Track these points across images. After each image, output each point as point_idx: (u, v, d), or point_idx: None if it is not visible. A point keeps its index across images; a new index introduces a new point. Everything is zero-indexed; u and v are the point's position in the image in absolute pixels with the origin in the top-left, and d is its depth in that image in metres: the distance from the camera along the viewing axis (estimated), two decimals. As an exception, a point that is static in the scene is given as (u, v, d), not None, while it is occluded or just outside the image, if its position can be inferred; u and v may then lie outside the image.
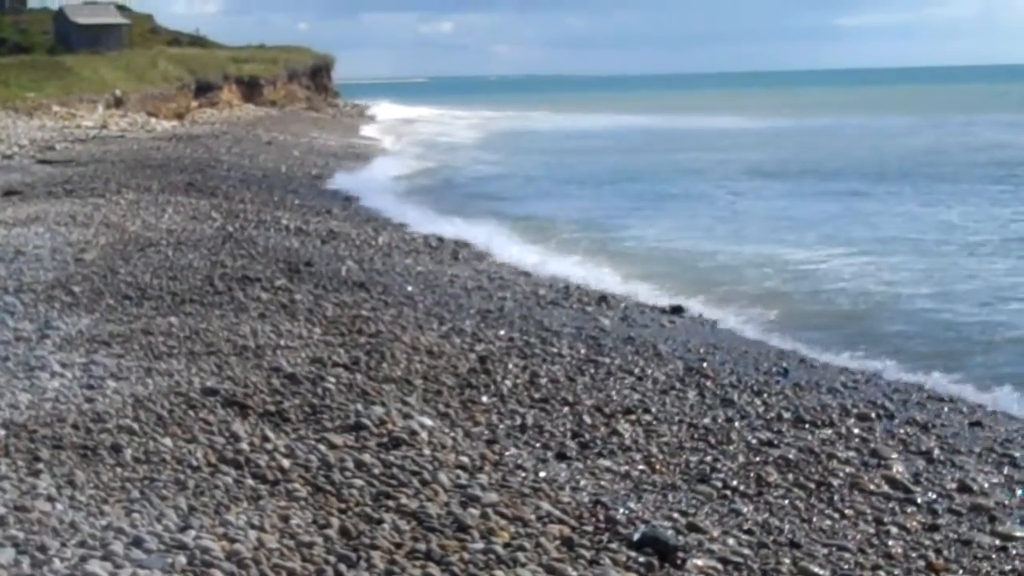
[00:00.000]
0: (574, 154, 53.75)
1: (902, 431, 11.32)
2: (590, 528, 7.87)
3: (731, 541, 8.01)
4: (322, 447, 8.84)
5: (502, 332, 14.11)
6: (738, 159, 48.17)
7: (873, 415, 11.77)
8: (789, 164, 45.05)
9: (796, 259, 22.79)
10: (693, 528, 8.15)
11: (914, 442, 10.99)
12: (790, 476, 9.70)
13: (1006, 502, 9.50)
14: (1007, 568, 8.14)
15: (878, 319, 17.10)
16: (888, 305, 18.24)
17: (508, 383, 11.64)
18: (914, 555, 8.25)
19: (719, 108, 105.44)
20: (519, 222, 28.26)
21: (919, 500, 9.41)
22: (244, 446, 8.69)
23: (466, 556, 7.09)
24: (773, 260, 22.57)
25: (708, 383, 12.61)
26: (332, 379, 10.78)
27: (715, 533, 8.13)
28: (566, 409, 11.00)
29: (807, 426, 11.25)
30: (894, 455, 10.48)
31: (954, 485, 9.81)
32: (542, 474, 8.95)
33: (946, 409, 12.33)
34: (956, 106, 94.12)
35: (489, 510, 7.87)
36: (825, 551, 8.10)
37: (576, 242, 25.05)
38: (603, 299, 17.71)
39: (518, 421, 10.43)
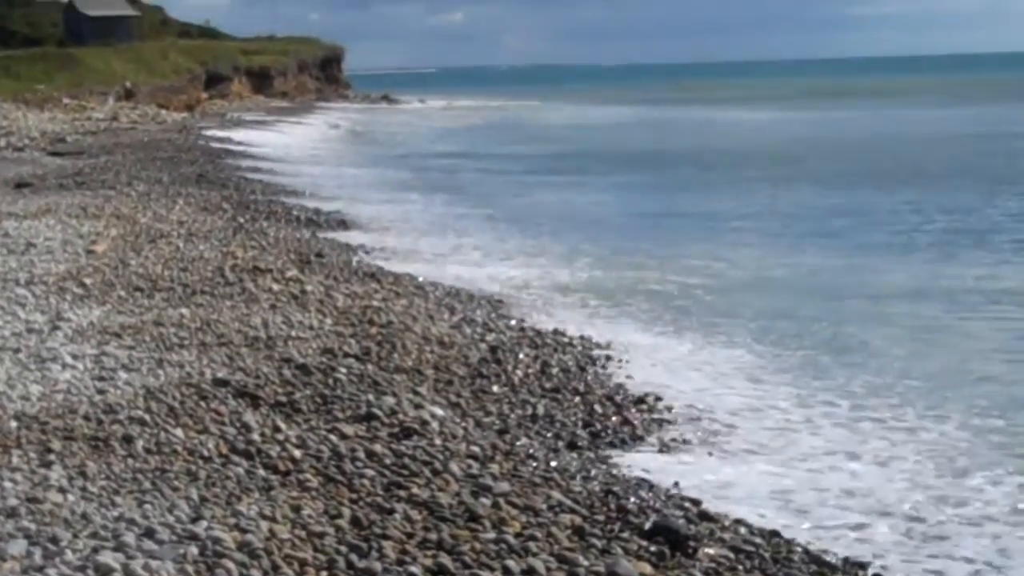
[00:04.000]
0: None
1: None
2: (602, 517, 7.87)
3: (742, 530, 8.00)
4: (333, 437, 8.84)
5: (513, 322, 14.09)
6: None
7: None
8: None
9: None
10: (704, 517, 8.14)
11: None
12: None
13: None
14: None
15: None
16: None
17: (519, 373, 11.63)
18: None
19: (731, 99, 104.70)
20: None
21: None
22: (255, 437, 8.70)
23: (478, 546, 7.09)
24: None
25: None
26: (343, 369, 10.79)
27: (726, 522, 8.11)
28: (577, 399, 10.99)
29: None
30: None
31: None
32: (553, 464, 8.95)
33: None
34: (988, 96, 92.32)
35: (501, 500, 7.88)
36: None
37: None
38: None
39: (529, 411, 10.43)
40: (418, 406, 9.89)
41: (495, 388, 11.04)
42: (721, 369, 12.56)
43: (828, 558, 7.63)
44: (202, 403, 9.45)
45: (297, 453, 8.41)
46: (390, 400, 9.93)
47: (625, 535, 7.57)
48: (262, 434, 8.79)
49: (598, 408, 10.74)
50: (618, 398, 11.10)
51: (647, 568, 7.10)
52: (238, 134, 50.38)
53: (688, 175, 37.00)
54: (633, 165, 40.75)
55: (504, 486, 8.16)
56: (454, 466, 8.45)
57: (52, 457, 7.97)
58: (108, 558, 6.38)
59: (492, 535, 7.28)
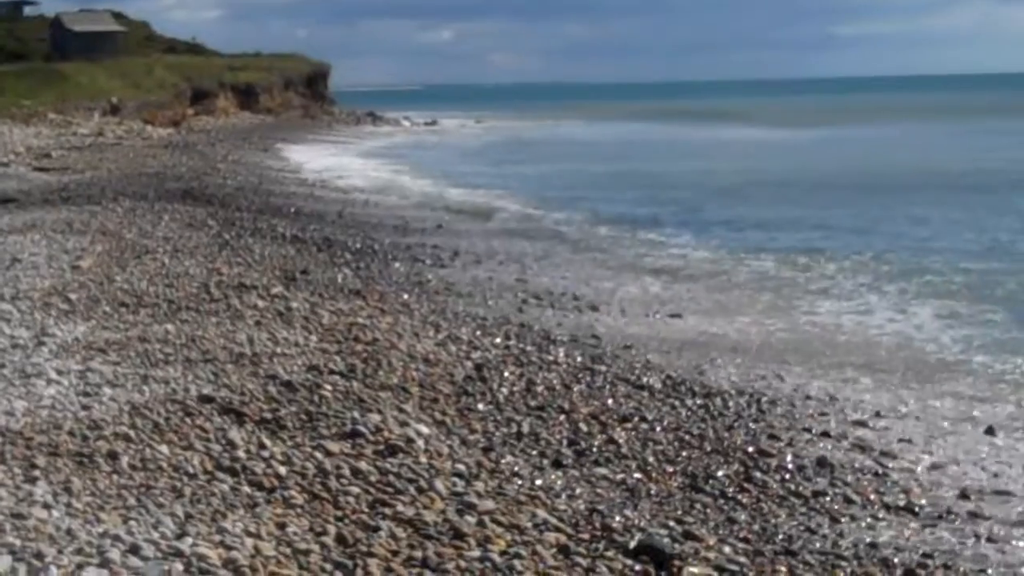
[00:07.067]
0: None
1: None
2: (586, 536, 7.87)
3: (727, 549, 8.02)
4: (318, 455, 8.84)
5: (498, 340, 14.11)
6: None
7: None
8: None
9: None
10: (689, 536, 8.15)
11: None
12: (788, 484, 9.72)
13: None
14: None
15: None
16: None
17: (504, 391, 11.64)
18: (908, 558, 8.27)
19: (717, 116, 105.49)
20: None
21: (917, 510, 9.44)
22: (240, 454, 8.69)
23: (463, 564, 7.10)
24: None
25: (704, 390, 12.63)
26: (328, 387, 10.78)
27: (711, 541, 8.13)
28: (562, 417, 11.00)
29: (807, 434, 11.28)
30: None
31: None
32: (538, 482, 8.96)
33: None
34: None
35: (486, 518, 7.88)
36: (821, 559, 8.11)
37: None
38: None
39: (514, 429, 10.44)
40: (403, 423, 9.89)
41: (480, 406, 11.05)
42: None
43: (812, 577, 7.66)
44: (187, 419, 9.43)
45: (282, 470, 8.41)
46: (375, 417, 9.93)
47: (610, 554, 7.58)
48: (247, 451, 8.78)
49: (583, 426, 10.75)
50: (603, 416, 11.11)
51: (632, 586, 7.11)
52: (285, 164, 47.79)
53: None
54: (728, 192, 39.89)
55: (489, 504, 8.17)
56: (439, 484, 8.45)
57: (37, 473, 7.94)
58: (93, 574, 6.37)
59: (477, 553, 7.29)
